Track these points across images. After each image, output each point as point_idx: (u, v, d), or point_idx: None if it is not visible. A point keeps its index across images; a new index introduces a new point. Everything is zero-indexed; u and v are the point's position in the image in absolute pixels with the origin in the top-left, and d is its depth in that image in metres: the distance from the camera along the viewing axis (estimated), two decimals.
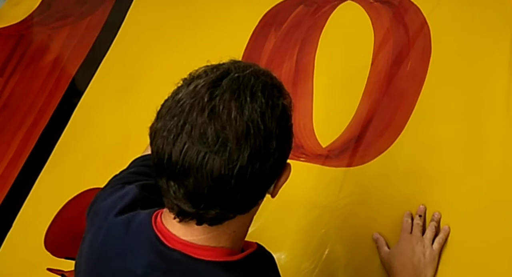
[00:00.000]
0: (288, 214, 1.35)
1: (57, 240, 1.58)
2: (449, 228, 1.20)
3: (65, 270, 1.52)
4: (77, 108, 1.83)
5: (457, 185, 1.26)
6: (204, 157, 0.70)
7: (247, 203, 0.77)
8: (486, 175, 1.25)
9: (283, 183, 0.80)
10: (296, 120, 1.45)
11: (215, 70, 0.77)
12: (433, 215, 1.22)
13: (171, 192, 0.74)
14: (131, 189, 0.94)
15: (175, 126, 0.72)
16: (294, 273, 1.27)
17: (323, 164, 1.38)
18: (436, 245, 1.17)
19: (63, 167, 1.71)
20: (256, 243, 0.88)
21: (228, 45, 1.74)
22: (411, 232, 1.19)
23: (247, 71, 0.75)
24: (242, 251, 0.84)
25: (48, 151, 1.76)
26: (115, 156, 1.66)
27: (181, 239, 0.79)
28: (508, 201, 1.20)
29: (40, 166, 1.73)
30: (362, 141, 1.38)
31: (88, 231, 0.92)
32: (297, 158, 1.41)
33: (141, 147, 1.71)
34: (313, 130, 1.44)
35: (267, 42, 1.69)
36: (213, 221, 0.77)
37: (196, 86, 0.74)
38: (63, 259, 1.54)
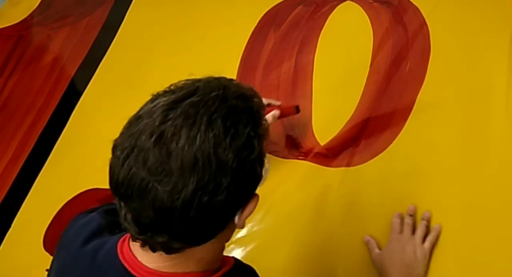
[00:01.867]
0: (285, 214, 1.35)
1: (56, 240, 1.58)
2: (440, 226, 1.19)
3: None
4: (76, 108, 1.83)
5: (456, 185, 1.26)
6: (147, 185, 0.66)
7: (200, 235, 0.71)
8: (485, 176, 1.24)
9: (248, 215, 0.73)
10: (295, 120, 1.44)
11: (183, 88, 0.71)
12: (423, 214, 1.21)
13: (122, 213, 0.70)
14: (94, 216, 0.90)
15: (127, 146, 0.68)
16: (293, 273, 1.27)
17: (321, 164, 1.38)
18: (427, 244, 1.16)
19: (62, 167, 1.71)
20: (233, 258, 0.83)
21: (227, 45, 1.74)
22: (401, 232, 1.18)
23: (214, 94, 0.68)
24: (219, 270, 0.78)
25: (47, 151, 1.76)
26: None
27: (147, 267, 0.75)
28: (507, 200, 1.20)
29: (39, 167, 1.73)
30: (361, 141, 1.38)
31: (54, 262, 0.89)
32: (296, 157, 1.41)
33: None
34: (312, 130, 1.44)
35: (266, 42, 1.69)
36: (167, 250, 0.72)
37: (155, 105, 0.69)
38: None
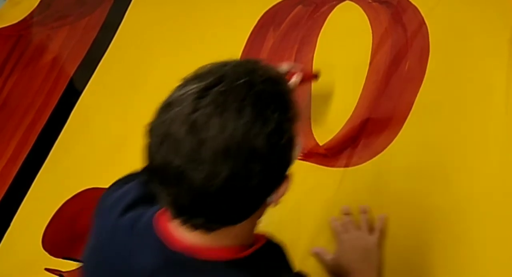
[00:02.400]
0: (283, 214, 1.34)
1: (55, 240, 1.58)
2: (384, 215, 1.21)
3: (63, 270, 1.51)
4: (75, 108, 1.83)
5: (455, 184, 1.26)
6: (182, 172, 0.67)
7: (235, 217, 0.73)
8: (484, 175, 1.24)
9: (282, 195, 0.76)
10: None
11: (210, 74, 0.71)
12: (360, 208, 1.22)
13: (162, 196, 0.73)
14: (132, 187, 0.92)
15: (160, 133, 0.70)
16: None
17: (320, 164, 1.38)
18: (376, 232, 1.17)
19: (61, 166, 1.71)
20: (265, 235, 0.85)
21: (226, 45, 1.74)
22: (346, 232, 1.19)
23: (241, 81, 0.69)
24: (252, 245, 0.80)
25: (46, 150, 1.76)
26: (113, 156, 1.66)
27: (184, 241, 0.77)
28: (506, 200, 1.20)
29: (38, 166, 1.73)
30: (360, 141, 1.38)
31: (93, 231, 0.91)
32: None
33: (139, 146, 1.71)
34: (311, 129, 1.44)
35: (265, 42, 1.69)
36: (205, 230, 0.74)
37: (185, 93, 0.70)
38: (61, 259, 1.54)
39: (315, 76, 1.41)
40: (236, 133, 0.66)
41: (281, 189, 0.74)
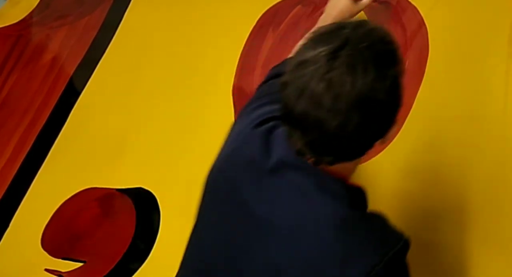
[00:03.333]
0: None
1: (54, 240, 1.58)
2: None
3: (63, 271, 1.52)
4: (74, 107, 1.83)
5: (455, 184, 1.26)
6: (321, 119, 0.82)
7: (356, 153, 0.90)
8: (483, 174, 1.24)
9: (392, 136, 0.91)
10: None
11: (336, 35, 0.84)
12: None
13: (295, 137, 0.87)
14: (267, 110, 1.05)
15: (297, 87, 0.83)
16: None
17: None
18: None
19: (60, 166, 1.72)
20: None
21: (226, 44, 1.74)
22: None
23: (363, 44, 0.82)
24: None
25: (45, 150, 1.76)
26: (112, 156, 1.67)
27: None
28: (506, 199, 1.20)
29: (38, 165, 1.73)
30: None
31: (229, 138, 1.08)
32: None
33: (138, 146, 1.71)
34: None
35: (265, 42, 1.69)
36: (329, 163, 0.89)
37: (318, 54, 0.82)
38: (60, 260, 1.54)
39: None
40: (364, 88, 0.81)
41: (391, 132, 0.89)
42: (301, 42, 0.89)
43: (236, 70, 1.67)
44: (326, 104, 0.81)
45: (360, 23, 0.87)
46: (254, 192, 0.94)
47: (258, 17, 1.75)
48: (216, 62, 1.72)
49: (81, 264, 1.51)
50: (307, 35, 0.89)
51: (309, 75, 0.82)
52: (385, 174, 1.33)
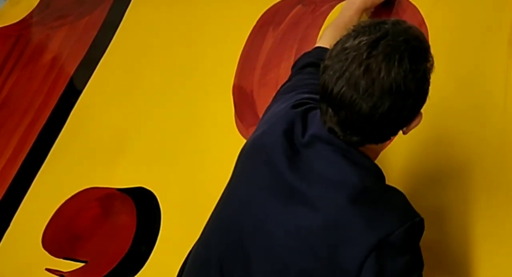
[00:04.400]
0: None
1: (55, 239, 1.59)
2: None
3: (64, 270, 1.52)
4: (75, 107, 1.84)
5: (455, 184, 1.26)
6: (355, 100, 0.90)
7: (382, 137, 0.99)
8: (483, 175, 1.25)
9: (415, 126, 1.00)
10: None
11: (377, 29, 0.93)
12: None
13: (328, 115, 0.95)
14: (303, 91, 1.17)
15: (338, 70, 0.92)
16: None
17: None
18: None
19: (61, 166, 1.72)
20: None
21: (226, 44, 1.75)
22: None
23: (401, 38, 0.92)
24: None
25: (46, 150, 1.76)
26: (113, 156, 1.67)
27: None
28: (506, 199, 1.20)
29: (38, 165, 1.74)
30: None
31: (265, 118, 1.18)
32: None
33: (139, 145, 1.71)
34: None
35: (265, 41, 1.69)
36: (355, 144, 0.98)
37: (360, 42, 0.91)
38: (61, 259, 1.54)
39: None
40: (398, 77, 0.90)
41: (415, 122, 0.99)
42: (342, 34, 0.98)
43: (236, 69, 1.67)
44: (362, 87, 0.90)
45: (399, 21, 0.97)
46: (288, 162, 1.01)
47: (258, 17, 1.75)
48: (216, 62, 1.72)
49: (82, 264, 1.51)
50: (350, 28, 0.97)
51: (350, 60, 0.91)
52: (385, 174, 1.33)
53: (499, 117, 1.29)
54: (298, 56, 1.61)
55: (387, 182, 1.30)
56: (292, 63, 1.60)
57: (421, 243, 1.02)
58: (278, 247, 0.99)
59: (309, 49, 1.60)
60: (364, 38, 0.92)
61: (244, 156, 1.11)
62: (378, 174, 1.04)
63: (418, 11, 1.53)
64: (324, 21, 1.65)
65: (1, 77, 2.04)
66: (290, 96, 1.17)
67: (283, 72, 1.60)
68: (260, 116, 1.55)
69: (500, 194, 1.22)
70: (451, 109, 1.36)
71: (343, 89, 0.91)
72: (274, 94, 1.56)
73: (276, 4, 1.76)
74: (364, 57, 0.90)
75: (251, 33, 1.73)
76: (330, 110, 0.95)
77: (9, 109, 1.95)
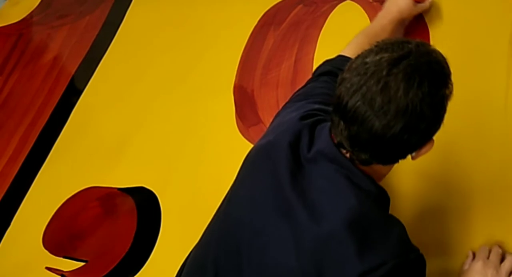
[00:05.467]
0: None
1: (56, 238, 1.59)
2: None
3: (65, 270, 1.52)
4: (76, 107, 1.84)
5: (455, 184, 1.26)
6: (368, 116, 0.88)
7: (391, 159, 0.97)
8: (483, 175, 1.25)
9: (425, 153, 0.97)
10: None
11: (400, 47, 0.90)
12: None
13: (339, 128, 0.93)
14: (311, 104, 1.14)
15: (355, 83, 0.89)
16: None
17: None
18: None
19: (61, 165, 1.72)
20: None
21: (227, 44, 1.75)
22: (488, 258, 1.16)
23: (423, 60, 0.90)
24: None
25: (47, 149, 1.76)
26: (114, 155, 1.67)
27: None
28: (506, 200, 1.20)
29: (39, 165, 1.74)
30: None
31: (273, 127, 1.15)
32: None
33: (140, 145, 1.71)
34: None
35: (266, 41, 1.69)
36: (362, 162, 0.96)
37: (381, 58, 0.89)
38: (62, 258, 1.55)
39: None
40: (415, 99, 0.87)
41: (425, 148, 0.95)
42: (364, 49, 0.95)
43: (237, 69, 1.67)
44: (378, 103, 0.87)
45: (423, 43, 0.94)
46: (290, 177, 1.00)
47: (259, 16, 1.75)
48: (217, 62, 1.73)
49: (82, 263, 1.52)
50: (373, 44, 0.95)
51: (369, 75, 0.88)
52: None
53: (500, 117, 1.29)
54: (299, 56, 1.62)
55: (387, 181, 1.32)
56: (293, 63, 1.61)
57: (420, 243, 1.02)
58: (270, 263, 0.98)
59: (310, 48, 1.61)
60: (386, 54, 0.90)
61: (250, 163, 1.10)
62: (381, 199, 1.01)
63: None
64: (325, 21, 1.65)
65: (2, 76, 2.05)
66: (301, 104, 1.16)
67: (284, 72, 1.60)
68: (261, 116, 1.56)
69: (500, 194, 1.22)
70: (451, 109, 1.35)
71: (358, 103, 0.89)
72: (274, 94, 1.57)
73: (277, 4, 1.76)
74: (384, 73, 0.88)
75: (252, 33, 1.73)
76: (342, 123, 0.93)
77: (10, 109, 1.95)
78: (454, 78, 1.38)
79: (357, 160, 0.96)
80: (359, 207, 0.94)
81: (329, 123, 1.00)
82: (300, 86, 1.54)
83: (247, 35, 1.73)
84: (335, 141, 0.97)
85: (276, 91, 1.57)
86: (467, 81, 1.37)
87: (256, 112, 1.56)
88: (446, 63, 0.94)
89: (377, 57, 0.90)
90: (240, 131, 1.55)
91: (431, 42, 1.46)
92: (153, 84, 1.78)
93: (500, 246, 1.17)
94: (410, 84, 0.87)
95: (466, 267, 1.16)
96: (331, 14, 1.65)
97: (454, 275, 1.17)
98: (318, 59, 1.58)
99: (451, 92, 0.93)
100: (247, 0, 1.83)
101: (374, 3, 1.61)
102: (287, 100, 1.52)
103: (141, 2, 2.03)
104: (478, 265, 1.14)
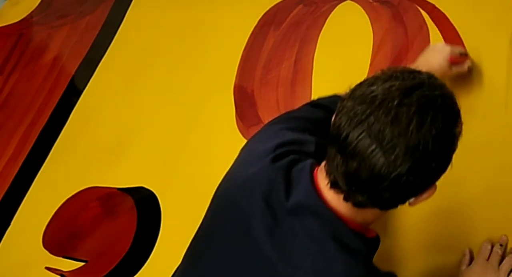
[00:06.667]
0: None
1: (55, 238, 1.59)
2: None
3: (64, 270, 1.52)
4: (76, 107, 1.84)
5: (455, 185, 1.26)
6: (373, 151, 0.76)
7: (390, 203, 0.85)
8: (484, 175, 1.25)
9: (425, 199, 0.85)
10: None
11: (411, 76, 0.80)
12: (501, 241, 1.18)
13: (335, 163, 0.81)
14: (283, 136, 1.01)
15: (360, 113, 0.78)
16: None
17: None
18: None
19: (61, 165, 1.72)
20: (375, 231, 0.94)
21: (227, 44, 1.75)
22: (488, 259, 1.15)
23: (437, 92, 0.79)
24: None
25: (47, 149, 1.76)
26: (114, 155, 1.67)
27: (328, 201, 0.87)
28: (506, 200, 1.20)
29: (39, 165, 1.74)
30: None
31: (238, 164, 1.03)
32: None
33: (140, 145, 1.71)
34: None
35: (266, 41, 1.69)
36: (357, 205, 0.85)
37: (391, 86, 0.78)
38: (61, 258, 1.55)
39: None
40: (427, 135, 0.76)
41: (427, 193, 0.84)
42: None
43: (237, 69, 1.67)
44: (386, 137, 0.76)
45: (434, 76, 0.84)
46: (267, 232, 0.89)
47: (259, 16, 1.76)
48: (217, 62, 1.73)
49: (82, 263, 1.52)
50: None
51: (377, 104, 0.77)
52: None
53: (500, 117, 1.29)
54: (300, 56, 1.62)
55: None
56: (293, 63, 1.61)
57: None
58: None
59: (310, 48, 1.61)
60: (397, 82, 0.79)
61: (217, 203, 1.01)
62: (370, 254, 0.90)
63: (420, 11, 1.53)
64: (325, 21, 1.65)
65: (2, 76, 2.05)
66: (272, 133, 1.04)
67: (284, 72, 1.60)
68: (261, 116, 1.56)
69: (500, 194, 1.22)
70: None
71: (362, 135, 0.77)
72: (274, 93, 1.57)
73: (277, 4, 1.76)
74: (394, 103, 0.76)
75: (252, 33, 1.73)
76: (339, 157, 0.80)
77: (10, 109, 1.95)
78: (454, 77, 1.39)
79: (351, 201, 0.85)
80: (347, 272, 0.84)
81: (307, 163, 0.91)
82: (300, 86, 1.55)
83: (247, 35, 1.73)
84: (319, 187, 0.87)
85: (276, 91, 1.57)
86: (467, 81, 1.37)
87: (256, 112, 1.56)
88: (456, 100, 0.84)
89: (386, 85, 0.79)
90: (240, 131, 1.55)
91: (432, 43, 1.46)
92: (153, 84, 1.78)
93: (501, 245, 1.17)
94: (424, 118, 0.76)
95: (463, 267, 1.16)
96: (331, 14, 1.66)
97: (453, 274, 1.17)
98: (318, 59, 1.59)
99: (460, 132, 0.83)
100: (247, 0, 1.84)
101: (374, 3, 1.61)
102: (287, 100, 1.53)
103: (141, 2, 2.03)
104: (477, 267, 1.14)
